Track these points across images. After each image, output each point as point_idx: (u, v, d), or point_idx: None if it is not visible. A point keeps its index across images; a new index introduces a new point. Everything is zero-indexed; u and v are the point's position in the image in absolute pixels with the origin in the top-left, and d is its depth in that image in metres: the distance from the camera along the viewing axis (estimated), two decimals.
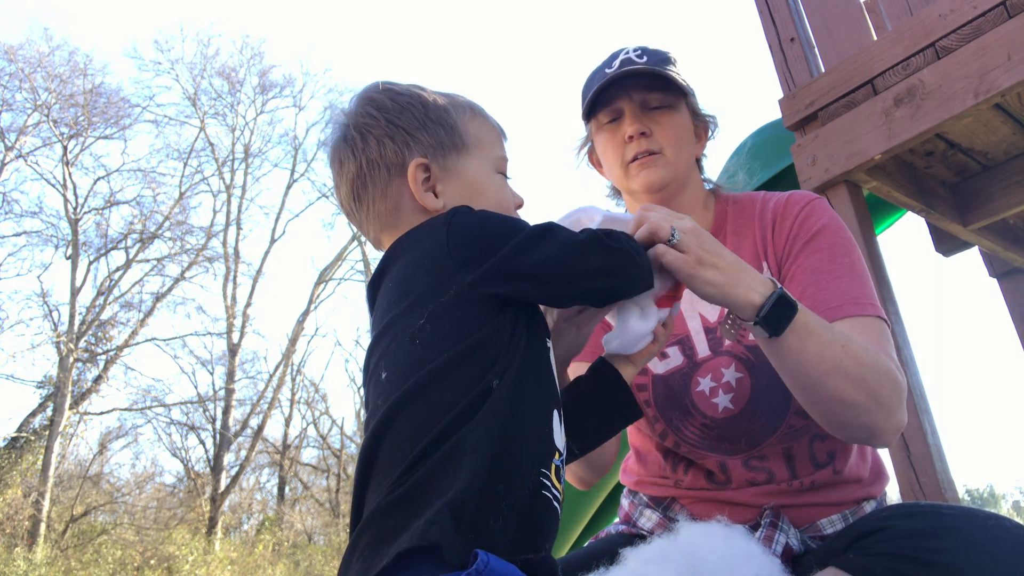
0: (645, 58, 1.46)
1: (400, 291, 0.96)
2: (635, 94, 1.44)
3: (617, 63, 1.46)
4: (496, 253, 0.92)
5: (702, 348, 1.41)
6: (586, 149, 1.61)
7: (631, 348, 1.11)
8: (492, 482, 0.81)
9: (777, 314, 1.08)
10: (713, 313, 1.43)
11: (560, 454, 0.92)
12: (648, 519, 1.45)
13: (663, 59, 1.47)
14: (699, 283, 1.07)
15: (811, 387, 1.14)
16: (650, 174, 1.45)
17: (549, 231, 0.95)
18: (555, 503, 0.89)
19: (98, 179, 19.83)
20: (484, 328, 0.90)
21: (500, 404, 0.85)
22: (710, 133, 1.57)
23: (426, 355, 0.88)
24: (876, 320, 1.26)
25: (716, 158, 1.63)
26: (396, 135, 1.05)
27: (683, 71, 1.50)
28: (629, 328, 1.09)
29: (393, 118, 1.05)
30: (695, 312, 1.44)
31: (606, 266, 0.96)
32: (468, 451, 0.81)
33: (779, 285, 1.11)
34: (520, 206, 1.14)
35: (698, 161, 1.56)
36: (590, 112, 1.50)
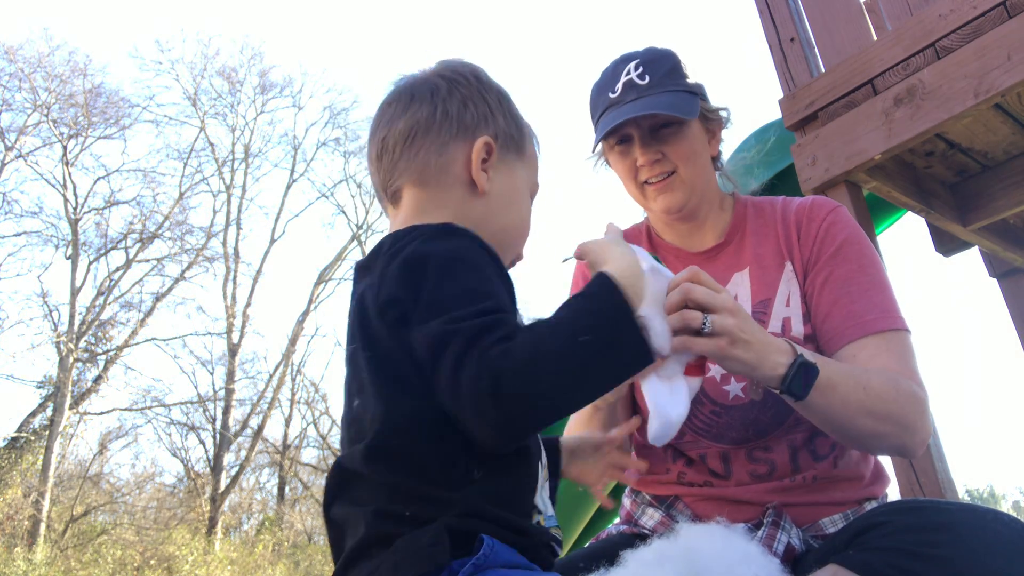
0: (647, 78, 1.43)
1: (353, 321, 0.94)
2: (641, 120, 1.43)
3: (620, 87, 1.45)
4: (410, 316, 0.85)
5: None
6: (601, 161, 1.61)
7: (671, 435, 1.09)
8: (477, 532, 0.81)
9: (800, 382, 1.14)
10: None
11: (540, 513, 0.94)
12: (651, 517, 1.46)
13: (666, 73, 1.45)
14: (730, 364, 1.12)
15: (840, 429, 1.22)
16: (667, 198, 1.46)
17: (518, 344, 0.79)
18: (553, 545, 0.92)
19: (98, 179, 19.85)
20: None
21: (480, 493, 0.84)
22: (724, 125, 1.56)
23: (392, 408, 0.85)
24: (903, 334, 1.34)
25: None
26: (480, 105, 1.04)
27: (689, 71, 1.48)
28: (666, 417, 1.08)
29: (484, 91, 1.06)
30: None
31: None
32: (444, 526, 0.80)
33: (799, 352, 1.15)
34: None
35: (714, 160, 1.56)
36: (599, 138, 1.49)
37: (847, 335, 1.32)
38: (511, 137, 1.06)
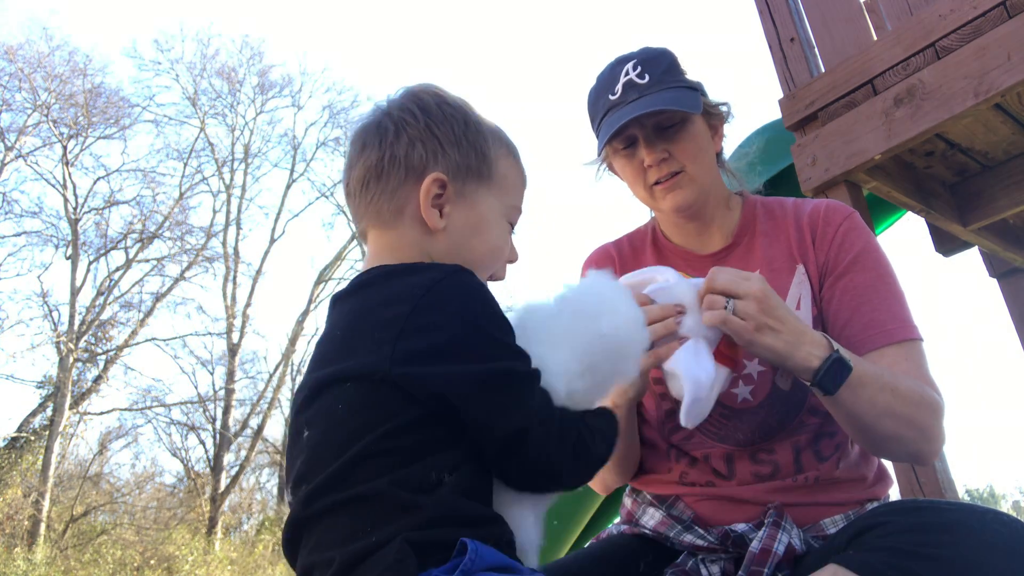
0: (647, 76, 1.42)
1: (342, 346, 0.93)
2: (646, 120, 1.42)
3: (620, 88, 1.43)
4: (445, 362, 0.86)
5: None
6: (603, 168, 1.60)
7: (704, 398, 1.15)
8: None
9: (832, 377, 1.16)
10: None
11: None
12: (651, 517, 1.45)
13: (665, 70, 1.44)
14: (758, 349, 1.15)
15: (863, 429, 1.23)
16: (676, 196, 1.45)
17: (516, 385, 0.89)
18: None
19: (98, 179, 19.85)
20: (413, 416, 0.86)
21: (452, 493, 0.84)
22: (726, 120, 1.56)
23: (354, 436, 0.86)
24: (919, 343, 1.36)
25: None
26: (428, 142, 1.01)
27: (687, 68, 1.48)
28: (695, 380, 1.13)
29: (433, 125, 1.02)
30: None
31: (523, 470, 0.91)
32: (405, 540, 0.80)
33: (835, 347, 1.17)
34: (513, 262, 1.10)
35: (718, 156, 1.55)
36: (604, 141, 1.47)
37: (869, 343, 1.33)
38: (469, 167, 1.03)
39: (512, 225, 1.10)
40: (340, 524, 0.84)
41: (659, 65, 1.44)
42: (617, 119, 1.40)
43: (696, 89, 1.46)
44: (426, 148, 1.01)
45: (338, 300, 1.00)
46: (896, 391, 1.21)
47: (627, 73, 1.44)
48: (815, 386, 1.18)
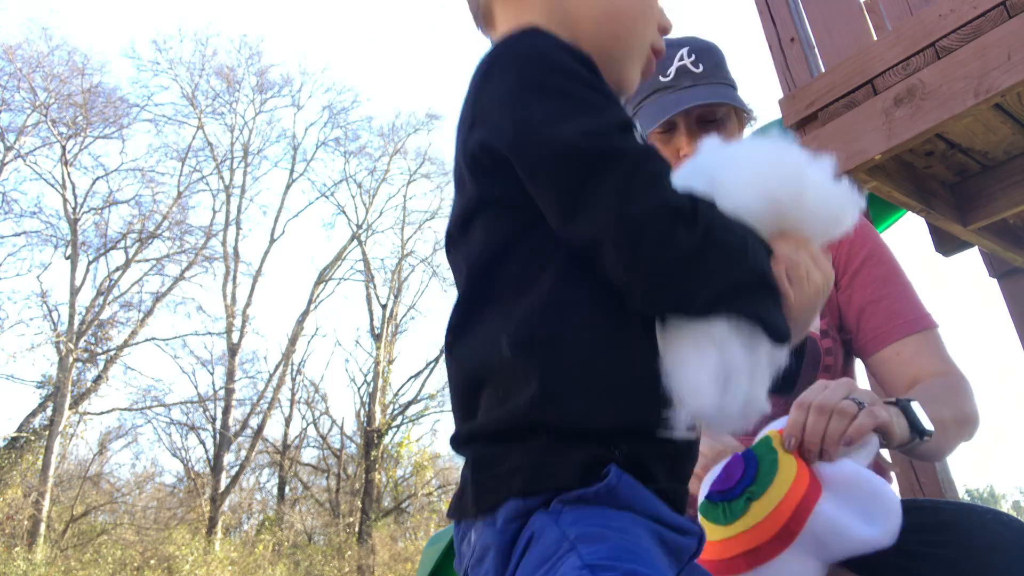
0: (701, 66, 1.44)
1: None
2: (694, 109, 1.43)
3: (673, 72, 1.45)
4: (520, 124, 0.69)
5: None
6: None
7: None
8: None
9: (918, 427, 1.12)
10: None
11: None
12: None
13: (716, 64, 1.47)
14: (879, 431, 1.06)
15: (944, 449, 1.28)
16: None
17: (623, 159, 0.68)
18: None
19: (97, 179, 19.85)
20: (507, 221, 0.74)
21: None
22: (748, 124, 1.59)
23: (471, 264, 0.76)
24: (937, 330, 1.42)
25: None
26: None
27: (728, 66, 1.52)
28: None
29: None
30: None
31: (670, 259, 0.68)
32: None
33: (897, 399, 1.15)
34: (666, 32, 0.90)
35: None
36: (658, 120, 1.47)
37: (892, 335, 1.38)
38: None
39: None
40: None
41: (712, 58, 1.47)
42: (673, 103, 1.41)
43: (736, 88, 1.50)
44: None
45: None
46: (958, 423, 1.25)
47: (681, 58, 1.46)
48: (915, 440, 1.12)
